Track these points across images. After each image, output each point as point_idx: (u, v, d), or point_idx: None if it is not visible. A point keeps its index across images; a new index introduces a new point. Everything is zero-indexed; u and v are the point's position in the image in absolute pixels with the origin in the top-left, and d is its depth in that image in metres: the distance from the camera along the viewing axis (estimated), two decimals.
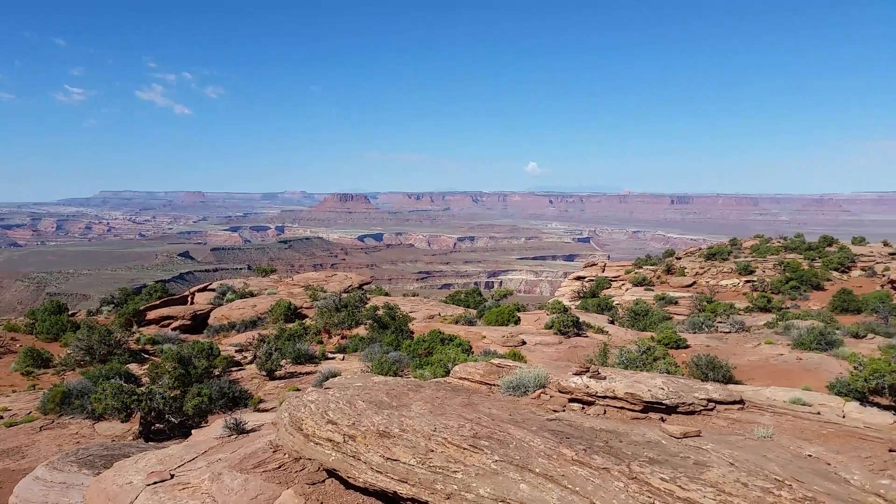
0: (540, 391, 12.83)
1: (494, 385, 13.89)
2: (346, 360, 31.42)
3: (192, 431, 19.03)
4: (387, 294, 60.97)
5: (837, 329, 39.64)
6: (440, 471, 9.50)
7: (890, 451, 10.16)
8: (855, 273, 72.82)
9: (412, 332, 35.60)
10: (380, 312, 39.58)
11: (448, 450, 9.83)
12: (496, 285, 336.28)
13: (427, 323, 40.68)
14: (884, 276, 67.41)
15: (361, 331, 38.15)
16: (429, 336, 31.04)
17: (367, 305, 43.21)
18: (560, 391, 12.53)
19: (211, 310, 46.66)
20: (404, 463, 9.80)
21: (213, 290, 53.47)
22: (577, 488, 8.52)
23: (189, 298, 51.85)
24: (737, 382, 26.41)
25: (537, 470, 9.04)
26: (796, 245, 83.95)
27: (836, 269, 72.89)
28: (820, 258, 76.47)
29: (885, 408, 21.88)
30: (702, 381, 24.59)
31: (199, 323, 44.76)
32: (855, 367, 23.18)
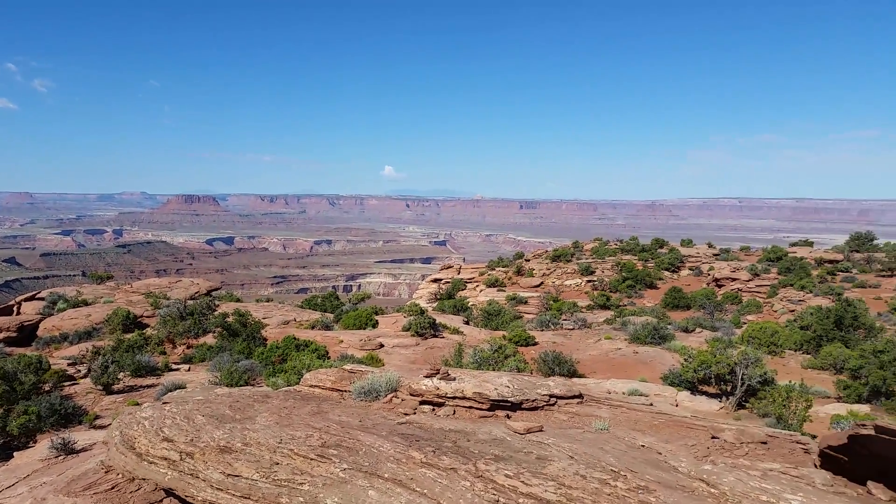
0: (392, 395, 12.76)
1: (346, 391, 13.66)
2: (193, 371, 29.78)
3: (15, 454, 17.23)
4: (238, 300, 58.56)
5: (669, 324, 43.00)
6: (286, 484, 9.15)
7: (712, 437, 11.05)
8: (684, 272, 79.51)
9: (265, 339, 34.41)
10: (230, 319, 37.89)
11: (294, 461, 9.50)
12: (354, 289, 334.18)
13: (282, 329, 39.49)
14: (709, 274, 74.08)
15: (210, 339, 36.33)
16: (283, 342, 30.12)
17: (215, 312, 41.18)
18: (411, 394, 12.54)
19: (40, 320, 42.60)
20: (247, 478, 9.35)
21: (43, 298, 48.91)
22: (426, 491, 8.52)
23: (15, 308, 47.11)
24: (580, 376, 27.81)
25: (386, 475, 8.95)
26: (632, 247, 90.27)
27: (667, 269, 79.21)
28: (653, 259, 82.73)
29: (713, 396, 23.94)
30: (549, 376, 25.74)
31: (26, 335, 40.70)
32: (685, 359, 25.16)
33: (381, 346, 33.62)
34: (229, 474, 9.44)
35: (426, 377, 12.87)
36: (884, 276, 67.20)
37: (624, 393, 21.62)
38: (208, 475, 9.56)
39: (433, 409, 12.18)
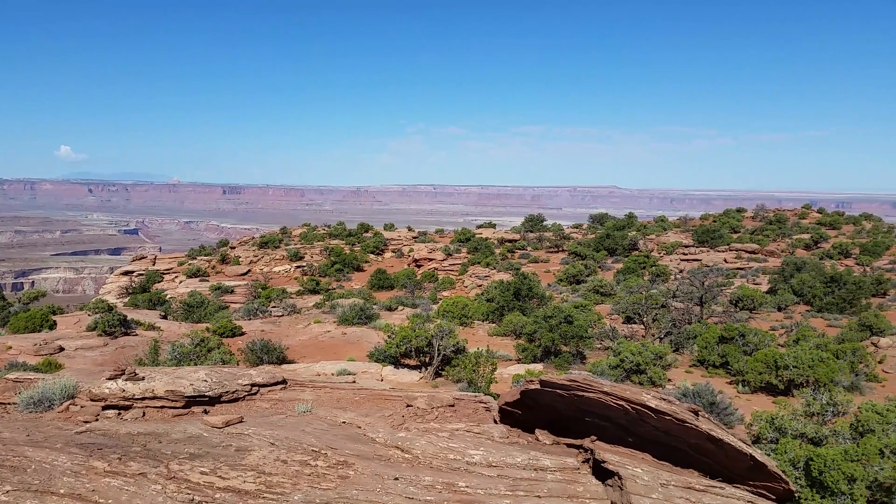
0: (69, 402, 11.33)
1: (12, 403, 11.82)
2: None
3: None
4: None
5: (375, 304, 44.83)
6: None
7: (407, 406, 11.77)
8: (388, 254, 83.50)
9: None
10: None
11: None
12: (27, 286, 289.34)
13: None
14: (409, 256, 78.78)
15: None
16: None
17: None
18: (93, 399, 11.27)
19: None
20: None
21: None
22: (110, 501, 7.74)
23: None
24: (291, 362, 27.70)
25: (62, 491, 7.95)
26: (339, 232, 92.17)
27: (372, 252, 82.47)
28: (359, 243, 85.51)
29: (414, 367, 25.59)
30: (257, 365, 25.18)
31: None
32: (389, 336, 26.53)
33: (62, 349, 29.79)
34: None
35: (109, 379, 11.65)
36: (552, 252, 77.88)
37: (333, 374, 22.06)
38: None
39: (119, 414, 11.08)
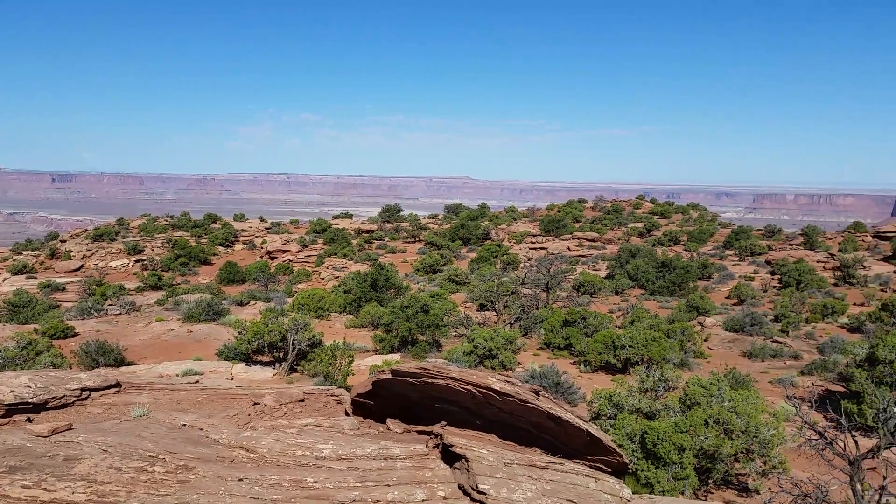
0: None
1: None
2: None
3: None
4: None
5: (224, 299, 43.11)
6: None
7: (254, 404, 11.46)
8: (238, 247, 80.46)
9: None
10: None
11: None
12: None
13: None
14: (262, 248, 76.45)
15: None
16: None
17: None
18: None
19: None
20: None
21: None
22: None
23: None
24: (130, 363, 26.09)
25: None
26: (183, 223, 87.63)
27: (221, 244, 79.11)
28: (206, 235, 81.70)
29: (267, 364, 24.89)
30: (93, 368, 23.44)
31: None
32: (239, 332, 25.59)
33: None
34: None
35: None
36: (409, 242, 78.63)
37: (178, 374, 21.05)
38: None
39: None
